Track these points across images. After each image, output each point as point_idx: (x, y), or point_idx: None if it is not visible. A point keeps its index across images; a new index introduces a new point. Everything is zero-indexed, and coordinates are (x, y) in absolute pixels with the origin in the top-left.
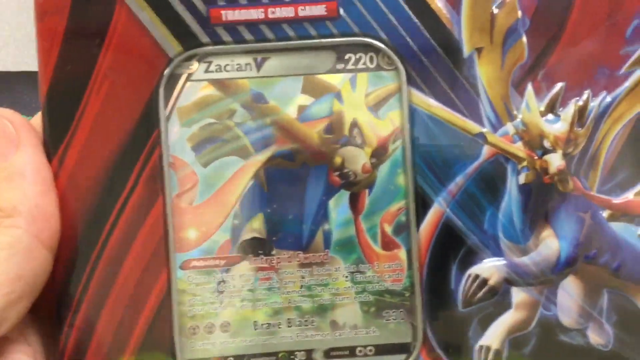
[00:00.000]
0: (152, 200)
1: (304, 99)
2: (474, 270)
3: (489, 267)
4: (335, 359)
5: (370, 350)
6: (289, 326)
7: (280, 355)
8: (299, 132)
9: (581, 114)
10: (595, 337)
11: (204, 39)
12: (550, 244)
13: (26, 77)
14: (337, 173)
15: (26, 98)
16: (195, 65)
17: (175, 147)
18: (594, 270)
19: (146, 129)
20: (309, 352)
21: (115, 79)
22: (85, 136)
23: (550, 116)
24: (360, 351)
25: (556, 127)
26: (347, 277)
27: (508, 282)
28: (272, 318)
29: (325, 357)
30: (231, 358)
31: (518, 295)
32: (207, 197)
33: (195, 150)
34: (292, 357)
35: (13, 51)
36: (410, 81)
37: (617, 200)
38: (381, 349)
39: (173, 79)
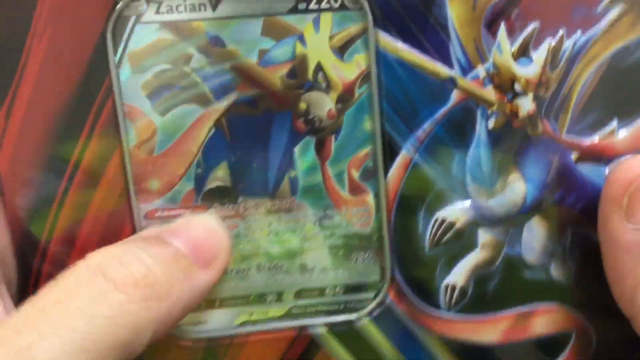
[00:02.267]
0: (109, 151)
1: (265, 42)
2: (440, 214)
3: (456, 211)
4: (305, 299)
5: (339, 290)
6: (258, 271)
7: (251, 298)
8: (260, 78)
9: (554, 55)
10: (557, 273)
11: None
12: (516, 187)
13: None
14: (301, 119)
15: None
16: (143, 6)
17: (129, 96)
18: (560, 211)
19: (96, 77)
20: (279, 294)
21: (58, 24)
22: (31, 88)
23: (522, 58)
24: (329, 291)
25: (528, 69)
26: (315, 222)
27: (474, 225)
28: (241, 264)
29: (296, 297)
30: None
31: (483, 236)
32: (167, 147)
33: (150, 98)
34: (263, 298)
35: None
36: (377, 22)
37: (586, 142)
38: (350, 289)
39: (121, 22)
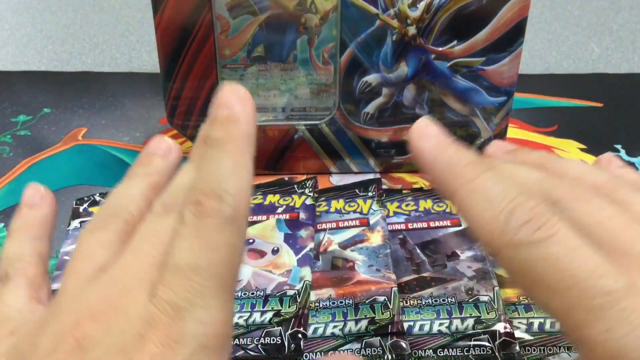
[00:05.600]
0: (208, 37)
1: None
2: (365, 78)
3: (373, 77)
4: (295, 112)
5: (313, 109)
6: (274, 96)
7: (269, 109)
8: (283, 3)
9: (428, 7)
10: (418, 110)
11: None
12: (402, 69)
13: (26, 77)
14: (302, 26)
15: (26, 97)
16: None
17: (219, 9)
18: (423, 82)
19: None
20: (283, 108)
21: None
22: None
23: (412, 7)
24: (308, 109)
25: (415, 12)
26: (304, 76)
27: (381, 85)
28: (266, 92)
29: (291, 111)
30: None
31: (385, 90)
32: (235, 34)
33: (229, 10)
34: (276, 110)
35: (13, 51)
36: None
37: (440, 49)
38: (318, 109)
39: None
